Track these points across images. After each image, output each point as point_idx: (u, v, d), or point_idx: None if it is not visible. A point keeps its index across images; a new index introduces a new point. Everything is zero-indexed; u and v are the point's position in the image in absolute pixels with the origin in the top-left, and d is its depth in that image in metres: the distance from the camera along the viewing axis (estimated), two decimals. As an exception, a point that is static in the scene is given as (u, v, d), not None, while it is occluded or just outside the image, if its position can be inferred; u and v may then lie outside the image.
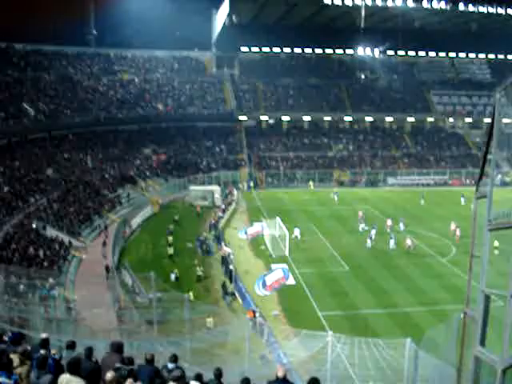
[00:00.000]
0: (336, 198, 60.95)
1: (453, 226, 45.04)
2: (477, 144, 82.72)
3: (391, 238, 42.59)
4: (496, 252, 33.23)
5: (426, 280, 34.95)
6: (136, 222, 49.35)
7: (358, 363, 18.47)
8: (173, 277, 34.19)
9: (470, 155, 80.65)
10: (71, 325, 26.76)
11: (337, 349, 18.36)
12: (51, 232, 39.30)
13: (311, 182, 71.76)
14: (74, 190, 50.25)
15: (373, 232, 43.83)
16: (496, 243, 34.11)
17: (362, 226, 47.65)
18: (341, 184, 72.15)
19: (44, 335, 10.06)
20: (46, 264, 33.35)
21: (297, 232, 43.80)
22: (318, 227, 47.84)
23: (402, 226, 46.82)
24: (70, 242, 39.17)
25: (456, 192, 64.68)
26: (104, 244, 39.85)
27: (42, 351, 8.93)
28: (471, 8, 76.10)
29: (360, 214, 50.37)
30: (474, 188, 13.23)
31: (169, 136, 75.49)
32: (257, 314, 27.40)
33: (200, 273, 34.81)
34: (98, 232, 44.17)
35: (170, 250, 39.96)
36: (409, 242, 41.77)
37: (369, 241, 42.73)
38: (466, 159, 79.34)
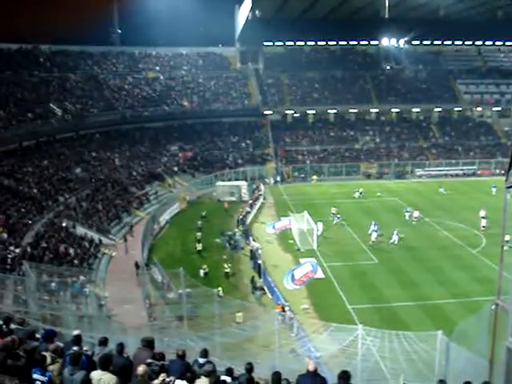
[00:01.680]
0: (357, 196, 59.82)
1: (482, 212, 44.52)
2: (506, 133, 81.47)
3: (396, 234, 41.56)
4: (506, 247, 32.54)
5: (456, 272, 34.62)
6: (164, 218, 49.70)
7: (389, 356, 18.40)
8: (202, 272, 34.40)
9: (499, 144, 79.41)
10: (103, 321, 27.14)
11: (367, 342, 18.31)
12: (81, 230, 39.87)
13: (315, 176, 71.03)
14: (103, 188, 50.84)
15: (372, 227, 42.40)
16: (507, 237, 32.84)
17: (336, 219, 47.88)
18: (368, 176, 71.66)
19: (76, 332, 10.22)
20: (76, 262, 33.88)
21: (320, 227, 43.53)
22: (345, 220, 47.64)
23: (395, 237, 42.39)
24: (99, 240, 39.69)
25: (485, 182, 63.84)
26: (125, 239, 40.50)
27: (75, 348, 9.07)
28: (497, -5, 74.86)
29: (333, 209, 49.67)
30: (503, 178, 13.06)
31: (195, 132, 75.85)
32: (286, 308, 27.46)
33: (227, 269, 34.90)
34: (128, 229, 44.61)
35: (199, 246, 40.18)
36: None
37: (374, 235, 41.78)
38: (495, 149, 78.11)
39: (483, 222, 43.38)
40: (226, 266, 35.08)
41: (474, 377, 12.17)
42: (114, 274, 34.04)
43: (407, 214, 48.87)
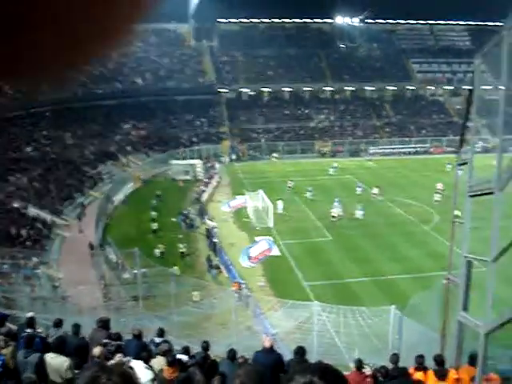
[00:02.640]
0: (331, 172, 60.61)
1: (439, 185, 45.56)
2: (457, 111, 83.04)
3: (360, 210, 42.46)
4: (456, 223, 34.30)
5: (409, 248, 35.28)
6: (118, 198, 49.10)
7: (344, 331, 18.74)
8: (157, 252, 34.19)
9: (450, 123, 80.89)
10: (57, 303, 26.77)
11: (322, 318, 18.58)
12: (33, 211, 39.04)
13: (275, 154, 70.97)
14: (54, 167, 49.81)
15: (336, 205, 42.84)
16: (457, 212, 35.05)
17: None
18: (323, 155, 72.17)
19: (30, 314, 10.07)
20: (29, 243, 33.21)
21: (280, 205, 43.73)
22: (300, 198, 47.95)
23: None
24: (52, 221, 38.99)
25: (437, 160, 65.03)
26: (79, 219, 39.98)
27: (29, 330, 8.93)
28: (450, -26, 75.86)
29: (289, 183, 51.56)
30: (455, 155, 13.33)
31: (149, 110, 74.83)
32: (242, 286, 27.57)
33: (183, 249, 34.67)
34: (78, 212, 43.90)
35: (154, 226, 39.88)
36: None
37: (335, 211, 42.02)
38: (447, 127, 79.58)
39: (437, 197, 44.32)
40: (181, 245, 34.84)
41: (427, 350, 12.48)
42: (68, 255, 33.54)
43: (359, 190, 49.94)
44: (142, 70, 79.87)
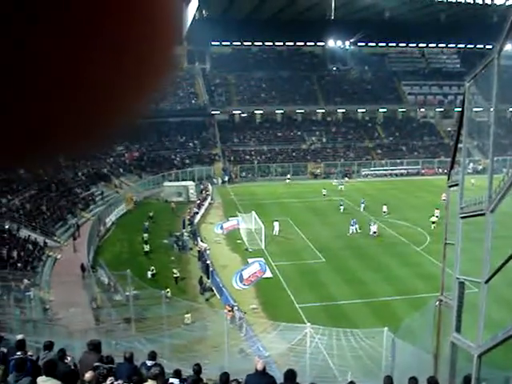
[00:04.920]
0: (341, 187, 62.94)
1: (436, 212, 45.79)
2: (448, 133, 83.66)
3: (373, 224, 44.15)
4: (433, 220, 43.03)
5: (402, 269, 35.26)
6: (110, 219, 48.94)
7: (337, 353, 18.64)
8: (149, 274, 34.00)
9: (441, 144, 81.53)
10: (48, 325, 26.53)
11: (315, 340, 18.49)
12: (24, 232, 38.85)
13: (289, 176, 71.61)
14: (47, 189, 49.65)
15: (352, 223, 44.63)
16: (437, 212, 43.14)
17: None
18: (315, 177, 72.38)
19: (20, 336, 9.96)
20: (20, 265, 32.98)
21: (276, 227, 43.82)
22: (293, 220, 47.95)
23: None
24: (44, 242, 38.79)
25: (429, 181, 65.42)
26: (74, 238, 39.83)
27: (19, 353, 8.84)
28: (440, -2, 77.02)
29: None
30: (446, 177, 13.39)
31: (141, 132, 74.90)
32: (235, 309, 27.44)
33: (177, 274, 34.22)
34: (73, 231, 43.74)
35: (146, 247, 39.72)
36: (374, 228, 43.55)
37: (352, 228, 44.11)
38: (438, 148, 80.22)
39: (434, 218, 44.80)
40: (174, 270, 34.42)
41: (420, 372, 12.42)
42: (60, 276, 33.28)
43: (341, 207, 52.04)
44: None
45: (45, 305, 29.21)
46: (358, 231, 43.85)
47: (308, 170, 73.99)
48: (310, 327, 18.48)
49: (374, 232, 43.25)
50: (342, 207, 51.99)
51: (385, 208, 50.17)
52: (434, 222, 44.13)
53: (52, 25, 0.77)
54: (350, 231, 43.95)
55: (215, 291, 32.13)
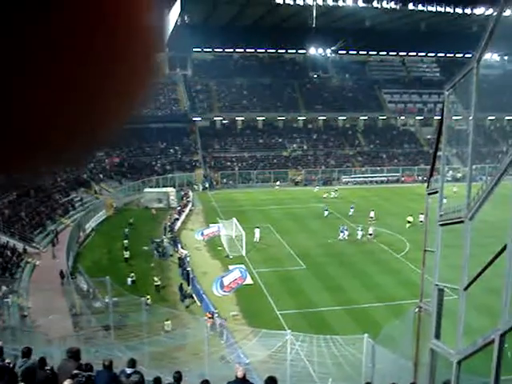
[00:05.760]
0: (334, 194, 63.21)
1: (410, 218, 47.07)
2: (428, 141, 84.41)
3: (361, 230, 44.87)
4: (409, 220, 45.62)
5: (382, 276, 35.44)
6: (90, 226, 48.58)
7: (317, 360, 18.64)
8: (129, 281, 33.78)
9: (421, 152, 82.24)
10: (26, 333, 26.23)
11: (295, 347, 18.48)
12: (3, 238, 38.41)
13: (278, 183, 72.35)
14: (26, 195, 49.15)
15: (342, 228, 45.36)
16: (410, 218, 45.52)
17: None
18: (296, 184, 72.57)
19: (-3, 344, 9.85)
20: (-2, 271, 32.61)
21: (257, 234, 43.85)
22: (274, 226, 47.99)
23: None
24: (23, 249, 38.38)
25: (408, 189, 65.93)
26: (53, 244, 39.52)
27: (-4, 361, 8.73)
28: (420, 7, 77.89)
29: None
30: (425, 184, 13.49)
31: (122, 138, 74.43)
32: (215, 316, 27.36)
33: (158, 282, 33.93)
34: (52, 238, 43.33)
35: (126, 254, 39.48)
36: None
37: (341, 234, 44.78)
38: (418, 156, 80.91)
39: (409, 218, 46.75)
40: (155, 278, 34.12)
41: (400, 378, 12.49)
42: (38, 283, 32.93)
43: (351, 211, 52.93)
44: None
45: (23, 312, 28.87)
46: (346, 238, 44.14)
47: (289, 176, 74.09)
48: (290, 334, 18.46)
49: (370, 234, 44.48)
50: (326, 212, 52.76)
51: (372, 214, 50.70)
52: (409, 222, 46.28)
53: (39, 37, 0.79)
54: (340, 237, 44.33)
55: (195, 298, 32.01)
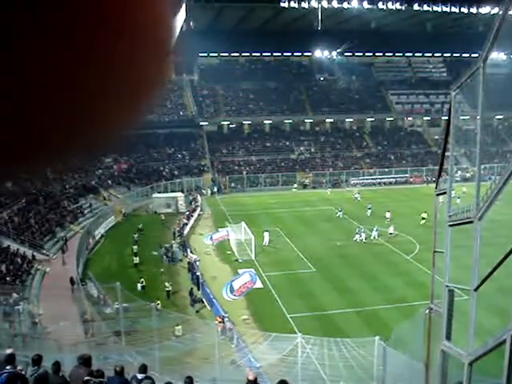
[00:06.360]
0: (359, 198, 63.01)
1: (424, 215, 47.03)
2: (436, 141, 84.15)
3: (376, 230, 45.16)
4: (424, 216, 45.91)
5: (391, 278, 35.35)
6: (99, 232, 48.73)
7: (328, 363, 18.59)
8: (139, 286, 33.83)
9: (429, 153, 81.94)
10: (37, 339, 26.32)
11: (306, 350, 18.45)
12: (13, 246, 38.61)
13: (295, 185, 72.86)
14: (35, 202, 49.39)
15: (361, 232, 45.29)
16: (424, 215, 45.66)
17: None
18: (304, 186, 72.49)
19: (9, 351, 9.87)
20: (8, 279, 32.74)
21: (266, 237, 43.82)
22: (283, 230, 47.95)
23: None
24: (32, 256, 38.55)
25: (417, 189, 65.77)
26: (63, 251, 39.65)
27: (8, 367, 8.75)
28: (426, 7, 77.77)
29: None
30: (434, 185, 13.44)
31: (129, 144, 74.68)
32: (226, 320, 27.35)
33: (169, 288, 33.79)
34: (61, 244, 43.49)
35: (136, 260, 39.56)
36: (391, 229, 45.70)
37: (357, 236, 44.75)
38: (426, 157, 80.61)
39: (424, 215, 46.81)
40: (167, 284, 34.04)
41: (411, 380, 12.43)
42: (49, 290, 33.06)
43: (340, 214, 53.39)
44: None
45: (34, 319, 28.99)
46: (364, 241, 44.21)
47: (297, 179, 74.02)
48: (301, 337, 18.44)
49: (391, 233, 45.17)
50: (340, 213, 53.35)
51: (388, 214, 51.04)
52: (424, 218, 46.53)
53: (45, 37, 0.78)
54: (356, 238, 44.42)
55: (205, 303, 32.03)
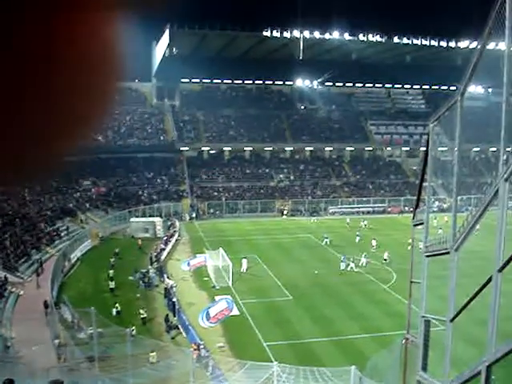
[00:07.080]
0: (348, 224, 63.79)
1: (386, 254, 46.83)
2: (414, 172, 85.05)
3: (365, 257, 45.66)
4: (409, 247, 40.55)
5: (368, 307, 35.31)
6: (75, 255, 48.13)
7: (304, 393, 18.46)
8: (114, 311, 33.37)
9: (407, 183, 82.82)
10: (9, 363, 25.81)
11: (282, 379, 18.31)
12: (-14, 268, 38.03)
13: (285, 212, 73.17)
14: (11, 223, 48.78)
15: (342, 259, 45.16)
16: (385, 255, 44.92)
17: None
18: (282, 214, 72.63)
19: (-22, 376, 9.67)
20: (-20, 301, 32.19)
21: (244, 264, 43.62)
22: (260, 257, 47.84)
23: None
24: (5, 278, 37.92)
25: (395, 219, 66.24)
26: (37, 274, 39.10)
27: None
28: (405, 40, 79.34)
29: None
30: (411, 215, 13.55)
31: (109, 167, 74.46)
32: (201, 347, 27.07)
33: (144, 315, 33.14)
34: (36, 267, 42.90)
35: (112, 284, 39.06)
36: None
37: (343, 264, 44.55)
38: (404, 187, 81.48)
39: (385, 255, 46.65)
40: (141, 311, 33.53)
41: (387, 411, 12.37)
42: (22, 313, 32.54)
43: (326, 240, 53.89)
44: (102, 127, 79.80)
45: (6, 342, 28.45)
46: (354, 269, 44.11)
47: (276, 207, 74.18)
48: (277, 366, 18.32)
49: (385, 259, 45.82)
50: (326, 240, 53.99)
51: (373, 242, 51.49)
52: (410, 244, 45.92)
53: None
54: (342, 267, 44.18)
55: (181, 329, 31.67)
